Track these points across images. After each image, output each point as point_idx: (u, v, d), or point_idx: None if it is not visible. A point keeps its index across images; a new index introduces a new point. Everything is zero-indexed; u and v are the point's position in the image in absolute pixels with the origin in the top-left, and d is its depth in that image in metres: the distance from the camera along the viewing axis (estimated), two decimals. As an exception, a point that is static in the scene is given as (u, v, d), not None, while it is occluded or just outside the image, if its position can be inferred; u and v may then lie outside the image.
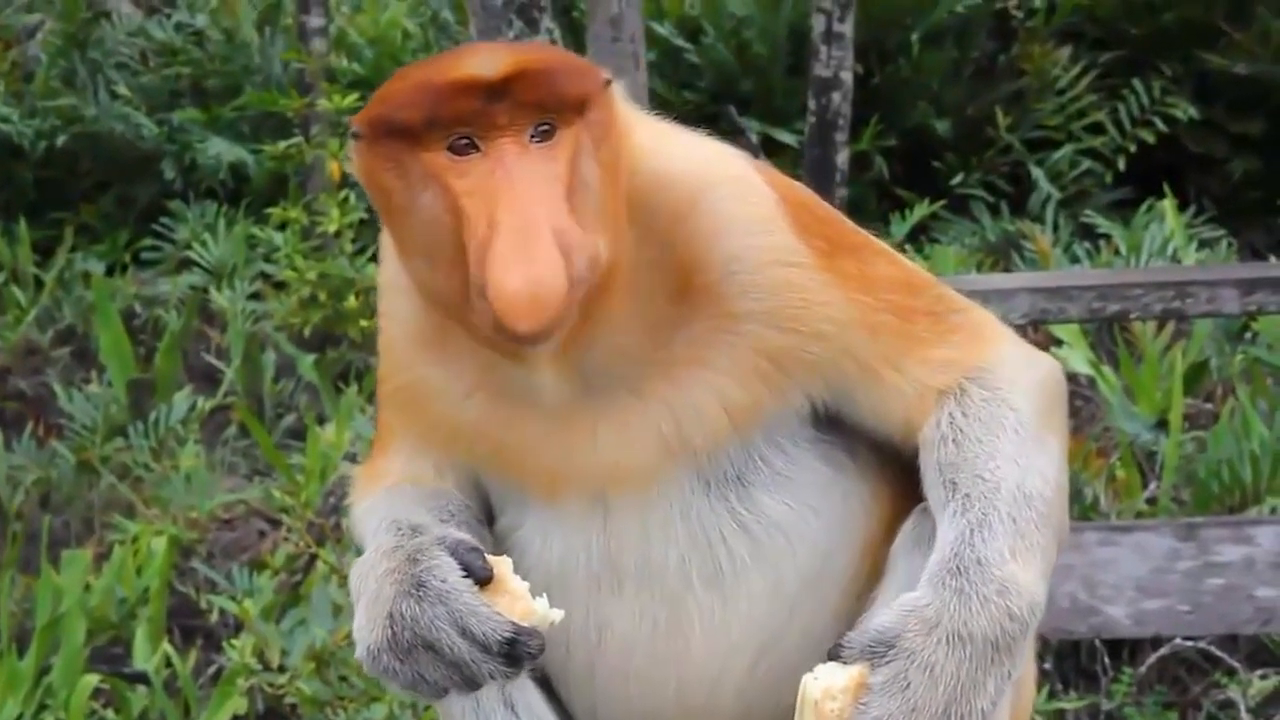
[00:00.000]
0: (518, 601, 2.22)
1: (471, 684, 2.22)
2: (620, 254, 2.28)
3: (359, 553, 2.38)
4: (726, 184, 2.39)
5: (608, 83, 2.31)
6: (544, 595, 2.25)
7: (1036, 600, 2.19)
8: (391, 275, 2.47)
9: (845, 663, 2.12)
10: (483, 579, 2.22)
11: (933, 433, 2.34)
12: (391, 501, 2.46)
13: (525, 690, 2.47)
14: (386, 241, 2.45)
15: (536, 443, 2.38)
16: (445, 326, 2.37)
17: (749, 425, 2.36)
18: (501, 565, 2.25)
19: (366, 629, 2.25)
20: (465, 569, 2.22)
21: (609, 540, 2.39)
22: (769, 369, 2.35)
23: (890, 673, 2.11)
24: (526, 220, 2.14)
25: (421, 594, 2.20)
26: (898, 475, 2.42)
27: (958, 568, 2.18)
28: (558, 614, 2.24)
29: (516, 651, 2.19)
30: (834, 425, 2.43)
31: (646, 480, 2.37)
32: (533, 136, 2.22)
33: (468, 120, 2.20)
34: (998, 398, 2.36)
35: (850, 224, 2.50)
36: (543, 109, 2.22)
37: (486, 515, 2.53)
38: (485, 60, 2.21)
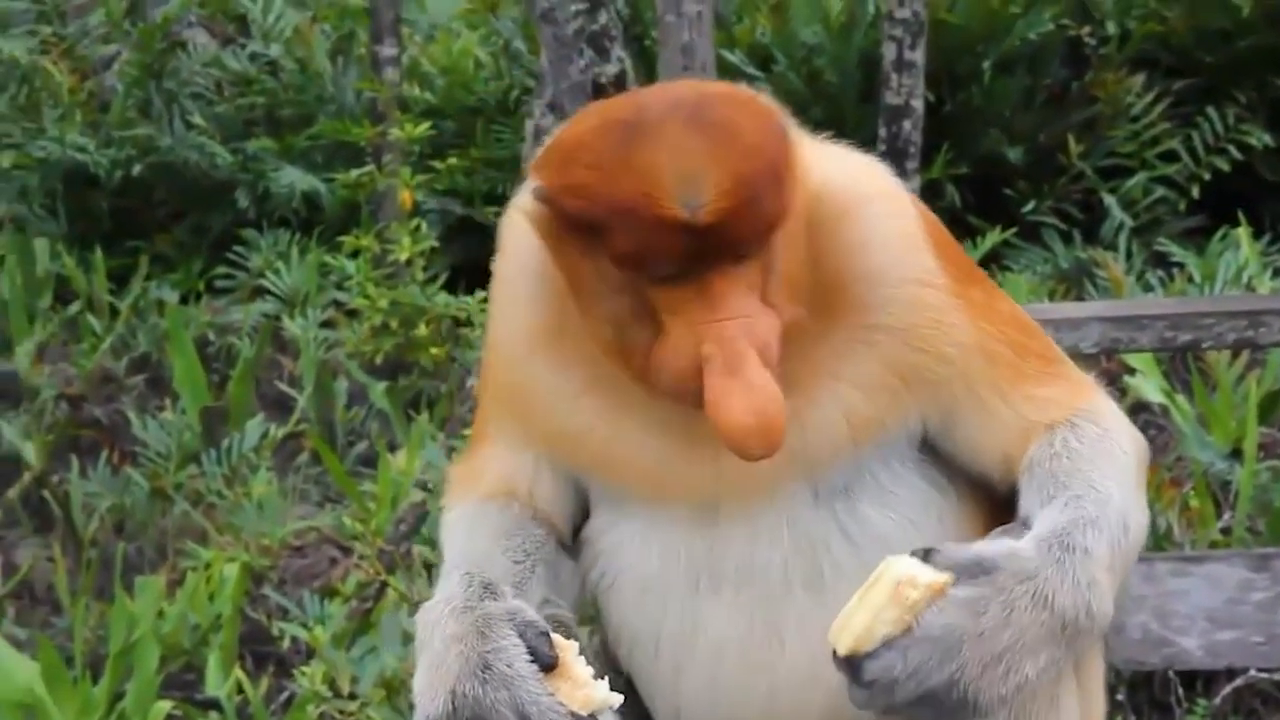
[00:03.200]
0: (579, 689, 2.24)
1: None
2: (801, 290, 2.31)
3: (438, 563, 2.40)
4: (877, 200, 2.42)
5: (787, 132, 2.31)
6: (605, 679, 2.27)
7: (1108, 616, 2.21)
8: (511, 271, 2.48)
9: (934, 566, 2.13)
10: (547, 666, 2.23)
11: (1043, 450, 2.37)
12: (471, 534, 2.48)
13: None
14: (508, 234, 2.48)
15: (649, 450, 2.41)
16: (565, 326, 2.40)
17: (866, 440, 2.40)
18: (566, 650, 2.27)
19: (428, 697, 2.28)
20: (532, 653, 2.24)
21: (713, 543, 2.41)
22: (896, 384, 2.38)
23: (975, 593, 2.13)
24: (737, 353, 2.19)
25: (486, 676, 2.23)
26: (990, 512, 2.43)
27: (1066, 544, 2.21)
28: (617, 699, 2.27)
29: None
30: (936, 450, 2.44)
31: (763, 492, 2.38)
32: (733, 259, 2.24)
33: (673, 257, 2.21)
34: (1109, 436, 2.40)
35: (969, 258, 2.53)
36: (748, 243, 2.23)
37: (580, 513, 2.54)
38: (691, 193, 2.17)
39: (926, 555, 2.17)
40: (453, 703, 2.23)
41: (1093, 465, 2.33)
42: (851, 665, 2.13)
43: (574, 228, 2.25)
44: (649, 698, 2.55)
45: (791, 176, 2.28)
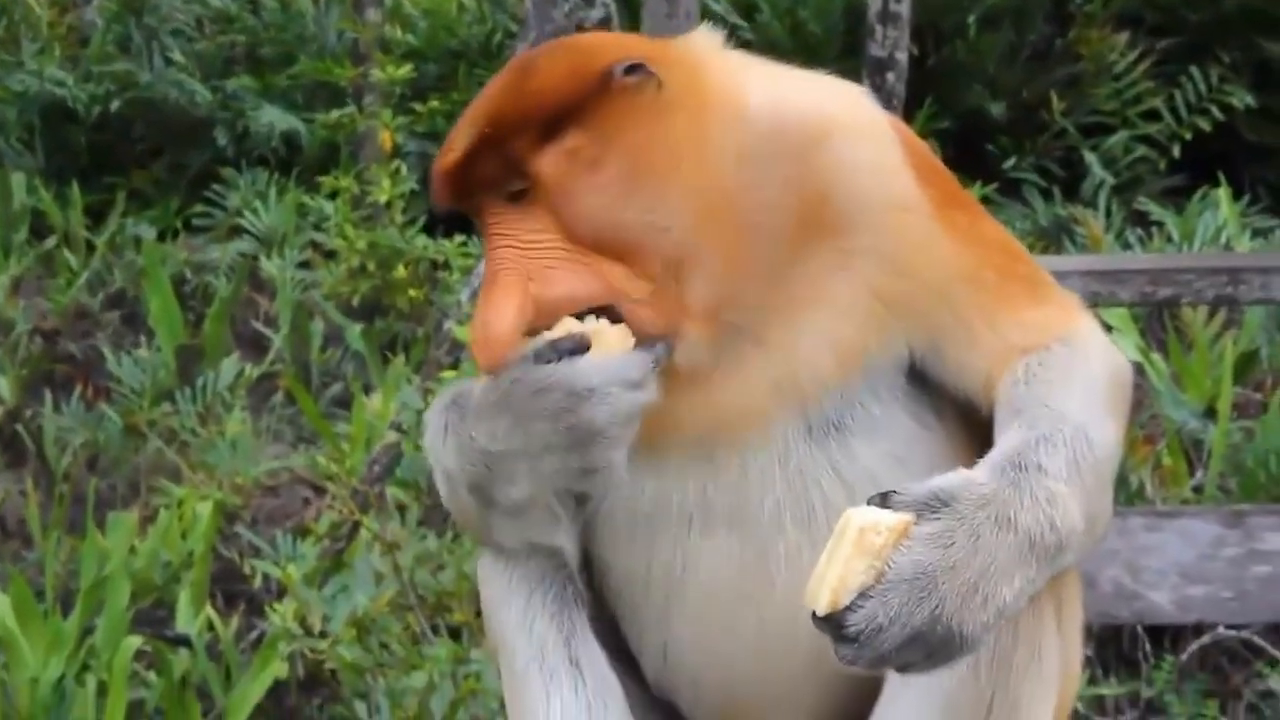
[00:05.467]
0: (600, 336, 2.27)
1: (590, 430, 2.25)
2: (719, 218, 2.31)
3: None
4: (855, 125, 2.41)
5: (629, 70, 2.31)
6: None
7: (1076, 527, 2.20)
8: None
9: (894, 510, 2.13)
10: (585, 347, 2.26)
11: (1009, 379, 2.37)
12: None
13: (589, 646, 2.47)
14: None
15: None
16: None
17: (853, 368, 2.38)
18: (568, 325, 2.28)
19: (475, 417, 2.28)
20: (569, 351, 2.26)
21: (706, 482, 2.40)
22: (879, 309, 2.37)
23: (938, 528, 2.12)
24: (491, 275, 2.30)
25: (578, 398, 2.24)
26: (979, 449, 2.43)
27: (1019, 464, 2.20)
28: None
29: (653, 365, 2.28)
30: (923, 385, 2.44)
31: (755, 426, 2.38)
32: (509, 198, 2.31)
33: (459, 205, 2.35)
34: (1077, 357, 2.38)
35: (956, 182, 2.52)
36: (501, 182, 2.31)
37: None
38: (445, 155, 2.32)
39: (885, 500, 2.16)
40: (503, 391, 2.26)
41: (1051, 388, 2.32)
42: (833, 623, 2.12)
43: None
44: (636, 636, 2.54)
45: (598, 118, 2.30)
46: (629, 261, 2.29)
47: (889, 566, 2.11)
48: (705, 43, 2.42)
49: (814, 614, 2.13)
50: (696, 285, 2.30)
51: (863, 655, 2.11)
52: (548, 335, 2.28)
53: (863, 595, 2.10)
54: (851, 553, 2.11)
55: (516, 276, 2.27)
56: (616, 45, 2.40)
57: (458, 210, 2.35)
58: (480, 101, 2.33)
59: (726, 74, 2.39)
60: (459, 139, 2.31)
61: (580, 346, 2.25)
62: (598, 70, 2.32)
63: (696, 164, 2.32)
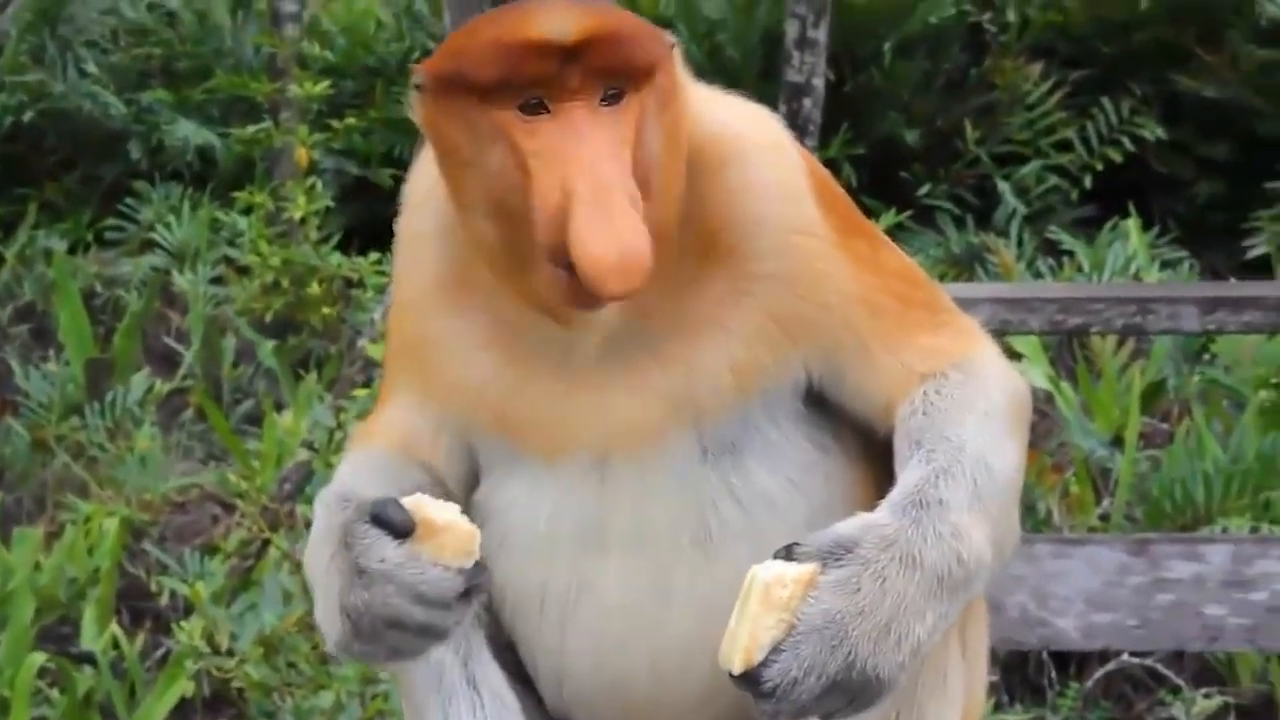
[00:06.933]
0: (450, 533, 2.23)
1: (443, 638, 2.27)
2: (673, 216, 2.31)
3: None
4: (762, 148, 2.42)
5: (672, 47, 2.33)
6: (460, 508, 2.27)
7: (983, 557, 2.22)
8: (417, 227, 2.49)
9: (798, 561, 2.14)
10: (406, 532, 2.22)
11: (907, 408, 2.38)
12: (350, 474, 2.48)
13: (486, 666, 2.47)
14: (413, 192, 2.49)
15: (545, 400, 2.40)
16: (468, 279, 2.40)
17: (750, 390, 2.38)
18: (422, 507, 2.24)
19: (328, 625, 2.27)
20: (389, 529, 2.22)
21: (602, 501, 2.40)
22: (776, 333, 2.38)
23: (844, 575, 2.13)
24: (603, 186, 2.17)
25: (366, 580, 2.21)
26: (879, 473, 2.44)
27: (920, 501, 2.21)
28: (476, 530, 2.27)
29: (473, 595, 2.24)
30: (820, 408, 2.45)
31: (651, 441, 2.38)
32: (602, 100, 2.24)
33: (541, 83, 2.21)
34: (974, 384, 2.39)
35: (858, 211, 2.54)
36: (613, 74, 2.23)
37: (473, 480, 2.53)
38: (559, 22, 2.21)
39: (789, 553, 2.17)
40: (349, 619, 2.22)
41: (948, 417, 2.33)
42: (750, 680, 2.13)
43: (446, 92, 2.27)
44: (531, 660, 2.54)
45: (669, 66, 2.30)
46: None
47: (798, 619, 2.11)
48: None
49: (730, 674, 2.13)
50: None
51: (783, 709, 2.12)
52: (373, 498, 2.26)
53: (775, 650, 2.11)
54: (759, 609, 2.11)
55: (623, 192, 2.19)
56: None
57: (529, 91, 2.23)
58: (573, 8, 2.23)
59: (687, 90, 2.40)
60: (571, 19, 2.21)
61: (407, 531, 2.23)
62: (665, 35, 2.32)
63: (675, 163, 2.33)
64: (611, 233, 2.14)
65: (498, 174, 2.24)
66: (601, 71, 2.22)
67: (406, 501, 2.25)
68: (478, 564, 2.24)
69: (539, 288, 2.26)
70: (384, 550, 2.22)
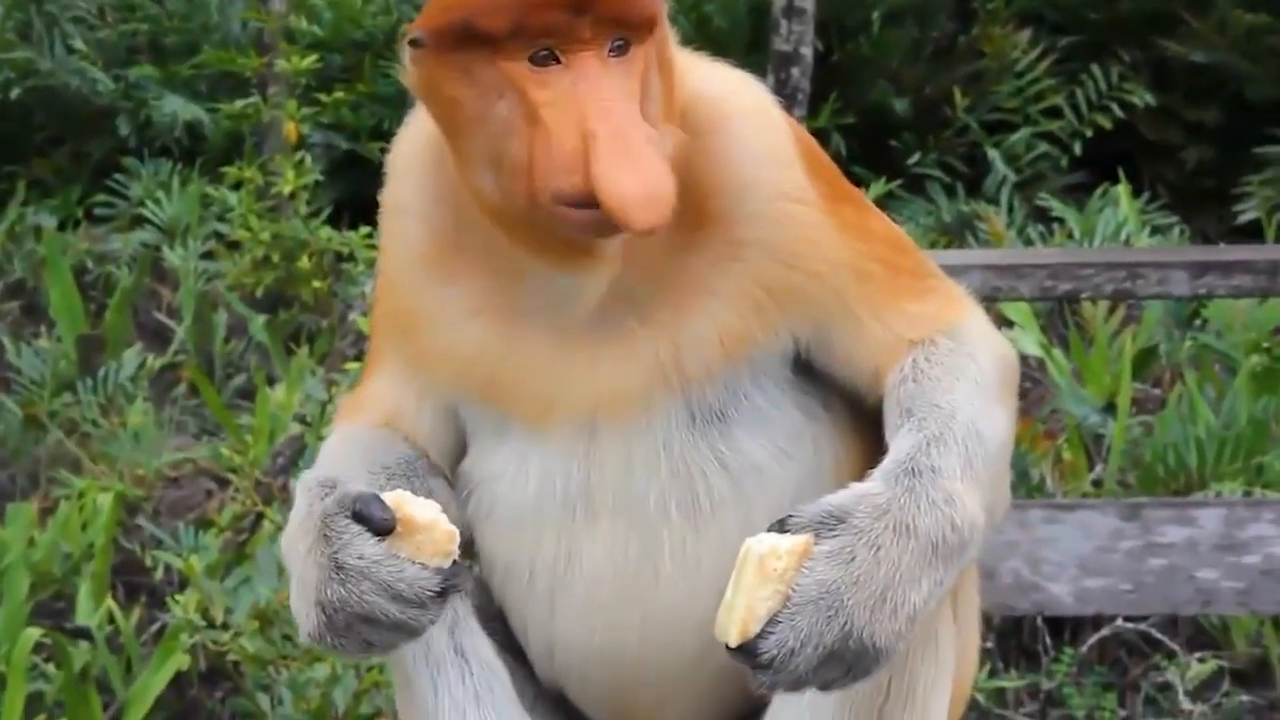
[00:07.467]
0: (429, 532, 2.24)
1: (416, 635, 2.26)
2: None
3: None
4: (749, 115, 2.44)
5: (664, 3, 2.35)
6: (440, 506, 2.27)
7: (977, 523, 2.23)
8: (401, 198, 2.49)
9: (791, 533, 2.14)
10: (387, 530, 2.23)
11: (896, 375, 2.39)
12: (334, 453, 2.48)
13: (474, 636, 2.48)
14: (396, 162, 2.49)
15: (535, 365, 2.41)
16: (460, 244, 2.40)
17: (739, 357, 2.40)
18: (403, 505, 2.25)
19: (302, 616, 2.29)
20: (369, 526, 2.23)
21: (590, 469, 2.41)
22: (765, 300, 2.39)
23: (838, 544, 2.14)
24: (622, 128, 2.19)
25: (343, 576, 2.22)
26: (869, 441, 2.45)
27: (912, 469, 2.23)
28: (455, 531, 2.27)
29: (449, 594, 2.24)
30: (809, 376, 2.45)
31: (638, 408, 2.40)
32: (610, 51, 2.25)
33: (553, 32, 2.23)
34: (963, 351, 2.41)
35: (843, 177, 2.54)
36: (621, 25, 2.25)
37: (460, 450, 2.53)
38: None
39: (782, 525, 2.17)
40: (324, 613, 2.24)
41: (937, 385, 2.35)
42: (746, 652, 2.13)
43: (449, 46, 2.26)
44: (521, 630, 2.55)
45: (664, 22, 2.32)
46: None
47: (793, 590, 2.12)
48: None
49: (727, 646, 2.14)
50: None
51: (780, 680, 2.13)
52: (357, 491, 2.27)
53: (771, 621, 2.12)
54: (754, 581, 2.12)
55: (641, 133, 2.21)
56: None
57: (540, 41, 2.24)
58: None
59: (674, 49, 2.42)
60: None
61: (388, 529, 2.24)
62: None
63: (670, 117, 2.34)
64: (636, 169, 2.16)
65: (506, 127, 2.24)
66: (611, 21, 2.24)
67: (388, 498, 2.26)
68: (455, 563, 2.25)
69: (539, 235, 2.27)
70: (363, 547, 2.23)
